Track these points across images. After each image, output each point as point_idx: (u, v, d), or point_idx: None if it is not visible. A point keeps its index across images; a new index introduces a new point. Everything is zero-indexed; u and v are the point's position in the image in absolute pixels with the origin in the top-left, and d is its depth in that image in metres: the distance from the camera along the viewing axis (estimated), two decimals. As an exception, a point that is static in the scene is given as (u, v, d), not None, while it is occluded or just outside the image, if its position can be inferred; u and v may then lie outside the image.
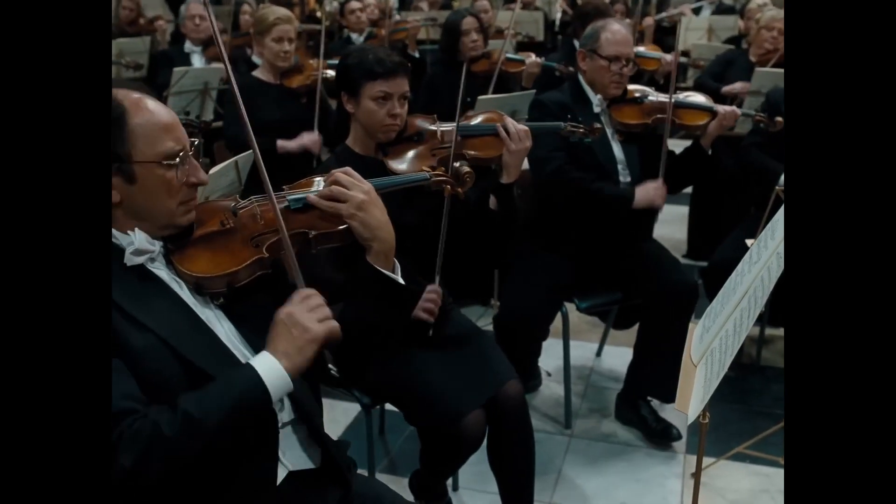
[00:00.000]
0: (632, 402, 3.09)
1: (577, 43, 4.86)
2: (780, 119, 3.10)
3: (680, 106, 2.99)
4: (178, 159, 1.41)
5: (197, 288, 1.48)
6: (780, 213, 1.73)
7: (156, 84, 4.62)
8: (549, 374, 3.40)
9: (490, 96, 3.29)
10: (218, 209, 1.59)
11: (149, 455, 1.25)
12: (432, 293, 2.22)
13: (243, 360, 1.43)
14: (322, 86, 3.64)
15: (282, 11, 3.61)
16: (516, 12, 4.84)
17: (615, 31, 2.94)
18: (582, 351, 3.65)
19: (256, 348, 1.44)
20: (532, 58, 4.28)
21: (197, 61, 4.75)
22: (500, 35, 5.89)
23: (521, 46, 6.03)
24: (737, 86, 4.33)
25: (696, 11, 7.31)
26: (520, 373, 2.35)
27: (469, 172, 1.99)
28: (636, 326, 3.12)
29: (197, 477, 1.35)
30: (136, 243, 1.41)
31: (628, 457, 2.93)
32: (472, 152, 2.37)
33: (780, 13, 4.42)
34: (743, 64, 4.45)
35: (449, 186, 1.97)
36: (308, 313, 1.40)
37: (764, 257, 1.63)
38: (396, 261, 1.61)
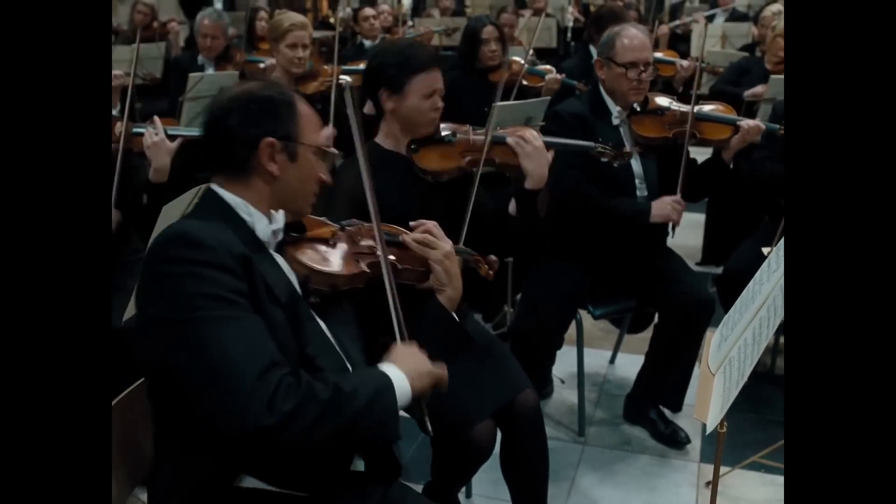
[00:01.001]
0: (641, 405, 3.10)
1: (592, 49, 4.87)
2: None
3: (702, 119, 2.94)
4: (326, 152, 1.60)
5: (304, 281, 1.61)
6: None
7: (168, 90, 4.64)
8: (562, 382, 3.39)
9: (505, 103, 3.27)
10: (325, 223, 1.78)
11: (305, 408, 1.29)
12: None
13: (344, 358, 1.57)
14: (337, 91, 3.65)
15: (297, 18, 3.60)
16: (535, 23, 4.82)
17: (631, 36, 2.88)
18: (595, 358, 3.64)
19: (342, 347, 1.60)
20: (553, 73, 4.26)
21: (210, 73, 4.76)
22: (515, 42, 5.91)
23: (535, 53, 6.04)
24: (758, 88, 4.31)
25: (710, 19, 7.30)
26: (534, 381, 2.34)
27: (494, 260, 2.08)
28: (649, 332, 3.11)
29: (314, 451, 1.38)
30: (278, 223, 1.57)
31: (642, 465, 2.92)
32: (499, 159, 2.38)
33: None
34: (759, 72, 4.43)
35: (484, 267, 2.06)
36: (427, 361, 1.54)
37: (783, 266, 1.63)
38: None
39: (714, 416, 1.51)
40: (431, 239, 1.80)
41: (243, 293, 1.36)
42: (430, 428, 1.61)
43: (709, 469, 2.87)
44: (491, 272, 2.05)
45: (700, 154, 3.07)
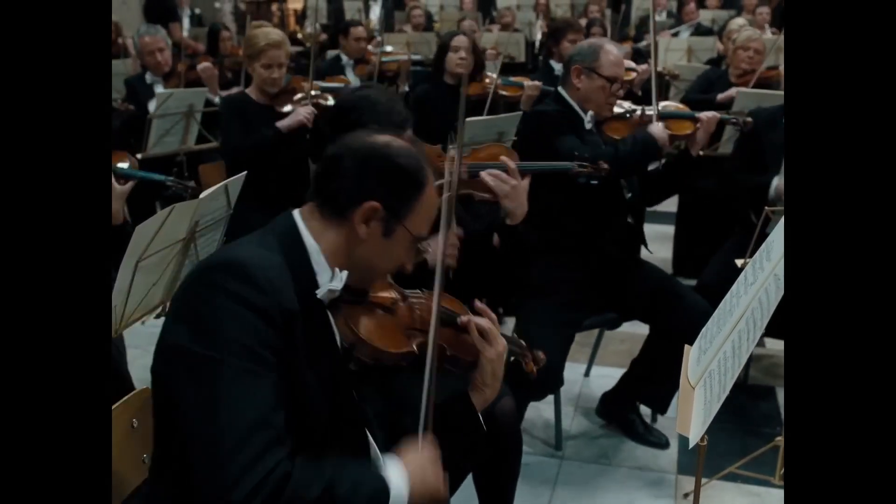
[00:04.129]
0: (620, 404, 3.11)
1: (553, 63, 4.91)
2: (749, 119, 3.19)
3: (667, 116, 3.02)
4: (422, 244, 1.52)
5: (349, 346, 1.51)
6: (775, 234, 1.73)
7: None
8: (538, 396, 3.39)
9: (476, 118, 3.29)
10: (389, 284, 1.68)
11: None
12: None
13: (368, 435, 1.53)
14: (314, 110, 3.64)
15: (273, 36, 3.50)
16: (505, 37, 4.88)
17: (614, 52, 2.91)
18: (569, 372, 3.61)
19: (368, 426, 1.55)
20: (531, 81, 4.28)
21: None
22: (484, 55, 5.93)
23: (504, 68, 6.08)
24: (731, 91, 4.36)
25: (675, 34, 7.40)
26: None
27: (543, 358, 1.97)
28: (623, 344, 3.12)
29: None
30: (338, 282, 1.46)
31: (620, 478, 2.92)
32: (477, 195, 2.34)
33: (756, 33, 4.48)
34: (723, 85, 4.50)
35: (531, 363, 1.95)
36: (440, 471, 1.46)
37: (760, 278, 1.64)
38: None
39: (696, 429, 1.51)
40: (493, 334, 1.65)
41: (277, 350, 1.32)
42: None
43: (686, 480, 2.88)
44: (535, 370, 1.95)
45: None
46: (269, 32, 3.53)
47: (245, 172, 2.43)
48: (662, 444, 3.04)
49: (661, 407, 3.03)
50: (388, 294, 1.63)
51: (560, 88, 2.99)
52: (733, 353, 1.56)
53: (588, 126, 2.95)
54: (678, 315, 2.88)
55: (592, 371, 3.67)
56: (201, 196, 2.16)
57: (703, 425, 1.49)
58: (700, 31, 7.57)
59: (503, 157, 2.35)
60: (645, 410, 3.19)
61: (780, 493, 2.77)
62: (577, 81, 2.91)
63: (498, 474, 2.29)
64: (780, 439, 2.78)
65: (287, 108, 3.62)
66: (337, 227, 1.45)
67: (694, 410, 1.59)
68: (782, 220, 1.77)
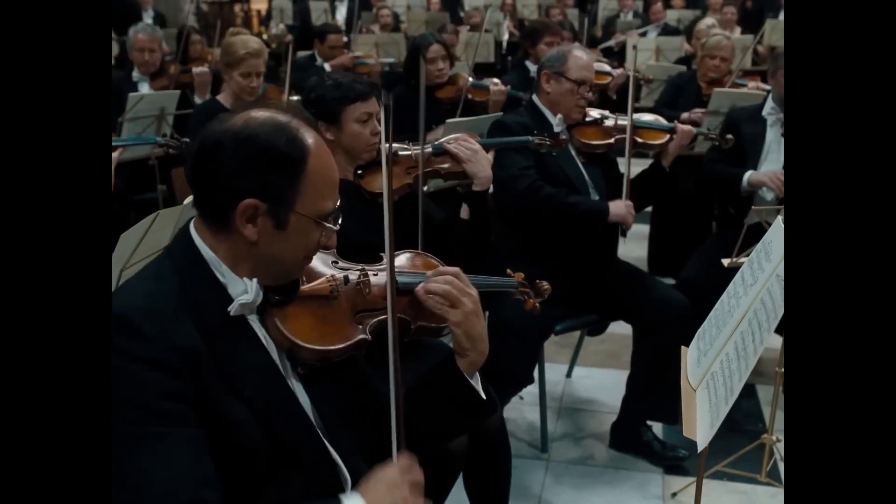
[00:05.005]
0: (632, 429, 3.04)
1: (528, 64, 4.91)
2: (730, 136, 3.25)
3: (640, 126, 3.06)
4: (331, 222, 1.33)
5: (289, 354, 1.36)
6: (773, 235, 1.73)
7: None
8: (521, 398, 3.37)
9: (458, 119, 3.27)
10: (326, 270, 1.48)
11: None
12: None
13: (327, 445, 1.37)
14: None
15: (252, 45, 3.49)
16: (476, 39, 4.86)
17: (581, 56, 2.98)
18: (552, 373, 3.62)
19: (331, 435, 1.38)
20: (496, 84, 4.27)
21: (145, 90, 4.62)
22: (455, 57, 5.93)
23: (475, 69, 6.09)
24: (695, 112, 4.40)
25: (643, 34, 7.45)
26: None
27: (547, 288, 1.89)
28: (604, 344, 3.12)
29: None
30: (251, 293, 1.29)
31: (607, 479, 2.91)
32: (445, 166, 2.45)
33: (723, 39, 4.51)
34: (692, 90, 4.52)
35: (530, 300, 1.86)
36: (414, 488, 1.28)
37: (761, 279, 1.64)
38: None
39: (704, 432, 1.50)
40: (454, 295, 1.44)
41: (182, 396, 1.18)
42: None
43: (672, 480, 2.89)
44: (538, 306, 1.84)
45: (637, 166, 3.13)
46: (247, 41, 3.53)
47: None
48: (685, 457, 2.96)
49: (671, 418, 2.95)
50: (326, 279, 1.44)
51: (534, 96, 3.06)
52: (737, 355, 1.55)
53: (557, 130, 2.97)
54: (658, 313, 2.90)
55: (574, 372, 3.66)
56: (185, 202, 2.11)
57: (711, 428, 1.48)
58: (667, 30, 7.63)
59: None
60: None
61: (765, 490, 2.79)
62: (547, 86, 2.99)
63: (489, 481, 2.28)
64: (766, 437, 2.81)
65: None
66: (226, 234, 1.28)
67: (698, 413, 1.58)
68: (778, 220, 1.78)
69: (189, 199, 2.16)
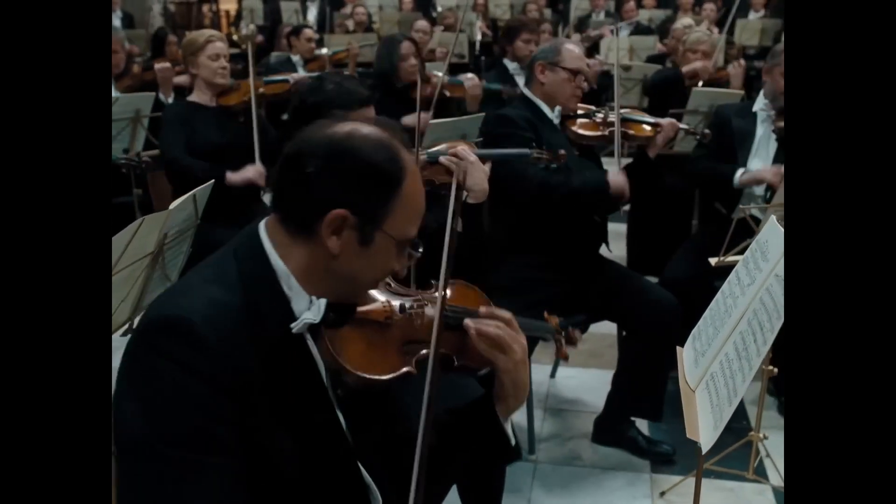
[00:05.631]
0: (616, 424, 3.05)
1: (506, 62, 4.91)
2: (707, 131, 3.28)
3: (628, 119, 3.08)
4: (410, 249, 1.29)
5: (334, 375, 1.32)
6: (768, 234, 1.73)
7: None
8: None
9: (440, 120, 3.25)
10: (387, 291, 1.44)
11: None
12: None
13: (360, 468, 1.34)
14: (258, 107, 3.57)
15: (211, 31, 3.57)
16: (450, 38, 4.86)
17: (575, 49, 3.01)
18: (536, 374, 3.60)
19: (362, 457, 1.35)
20: (470, 78, 4.26)
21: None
22: (432, 55, 5.92)
23: (451, 67, 6.08)
24: (697, 64, 4.41)
25: (615, 32, 7.48)
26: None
27: (578, 338, 1.85)
28: (585, 344, 3.11)
29: None
30: (316, 314, 1.25)
31: (595, 479, 2.91)
32: (437, 179, 2.35)
33: (704, 35, 4.54)
34: (678, 85, 4.54)
35: (563, 349, 1.82)
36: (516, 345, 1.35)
37: (759, 279, 1.64)
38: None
39: (707, 433, 1.49)
40: (506, 341, 1.39)
41: (229, 421, 1.15)
42: None
43: (660, 479, 2.89)
44: (567, 354, 1.81)
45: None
46: (204, 31, 3.59)
47: (212, 181, 2.34)
48: (670, 454, 2.98)
49: (655, 414, 2.97)
50: (382, 305, 1.40)
51: (525, 89, 3.06)
52: (738, 356, 1.55)
53: (556, 122, 2.99)
54: (647, 312, 2.90)
55: (558, 372, 3.66)
56: (171, 206, 2.06)
57: (714, 429, 1.47)
58: (639, 30, 7.68)
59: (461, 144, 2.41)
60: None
61: (752, 487, 2.81)
62: (542, 77, 2.97)
63: (484, 487, 2.25)
64: (752, 434, 2.82)
65: (233, 102, 3.55)
66: (304, 243, 1.24)
67: (700, 414, 1.57)
68: (772, 219, 1.78)
69: (175, 203, 2.12)
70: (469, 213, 2.33)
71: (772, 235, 1.69)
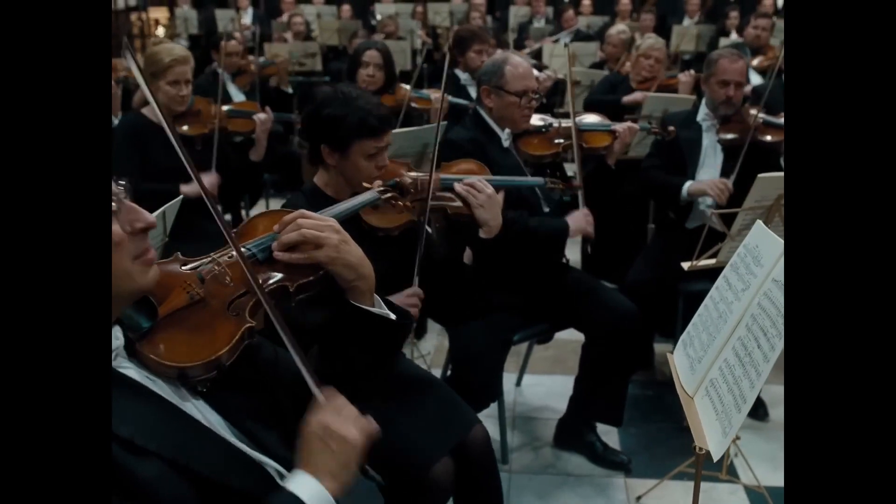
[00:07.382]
0: (576, 428, 3.07)
1: (458, 72, 4.90)
2: (672, 128, 3.33)
3: (584, 129, 3.07)
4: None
5: (180, 379, 1.21)
6: (758, 238, 1.75)
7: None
8: (475, 410, 3.33)
9: (400, 130, 3.21)
10: (175, 276, 1.28)
11: None
12: (413, 296, 2.13)
13: (254, 458, 1.24)
14: (220, 136, 3.46)
15: (178, 51, 3.27)
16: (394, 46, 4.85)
17: (518, 64, 2.89)
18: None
19: (255, 441, 1.26)
20: (437, 95, 4.23)
21: None
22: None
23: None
24: (636, 95, 4.48)
25: (557, 41, 7.56)
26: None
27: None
28: (550, 350, 3.11)
29: None
30: (117, 338, 1.14)
31: (571, 486, 2.91)
32: (454, 205, 2.30)
33: (659, 42, 4.63)
34: (625, 89, 4.62)
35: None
36: (341, 419, 1.21)
37: (754, 284, 1.65)
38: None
39: (715, 441, 1.49)
40: (313, 234, 1.35)
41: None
42: (374, 475, 1.41)
43: (635, 483, 2.90)
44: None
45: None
46: (172, 48, 3.29)
47: (181, 197, 2.26)
48: (625, 463, 2.99)
49: (615, 420, 2.99)
50: (178, 291, 1.26)
51: (477, 107, 2.99)
52: (740, 362, 1.55)
53: (506, 144, 2.94)
54: (607, 318, 2.90)
55: (524, 380, 3.65)
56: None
57: (724, 436, 1.47)
58: (579, 36, 7.77)
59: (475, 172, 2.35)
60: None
61: (725, 487, 2.84)
62: (489, 101, 2.92)
63: (483, 502, 2.23)
64: (724, 435, 2.86)
65: (185, 128, 3.42)
66: None
67: (703, 421, 1.57)
68: (759, 223, 1.79)
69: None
70: (479, 245, 2.30)
71: (762, 240, 1.71)
